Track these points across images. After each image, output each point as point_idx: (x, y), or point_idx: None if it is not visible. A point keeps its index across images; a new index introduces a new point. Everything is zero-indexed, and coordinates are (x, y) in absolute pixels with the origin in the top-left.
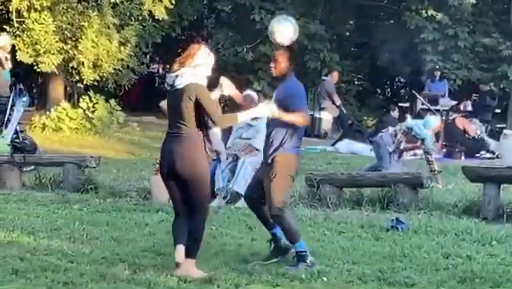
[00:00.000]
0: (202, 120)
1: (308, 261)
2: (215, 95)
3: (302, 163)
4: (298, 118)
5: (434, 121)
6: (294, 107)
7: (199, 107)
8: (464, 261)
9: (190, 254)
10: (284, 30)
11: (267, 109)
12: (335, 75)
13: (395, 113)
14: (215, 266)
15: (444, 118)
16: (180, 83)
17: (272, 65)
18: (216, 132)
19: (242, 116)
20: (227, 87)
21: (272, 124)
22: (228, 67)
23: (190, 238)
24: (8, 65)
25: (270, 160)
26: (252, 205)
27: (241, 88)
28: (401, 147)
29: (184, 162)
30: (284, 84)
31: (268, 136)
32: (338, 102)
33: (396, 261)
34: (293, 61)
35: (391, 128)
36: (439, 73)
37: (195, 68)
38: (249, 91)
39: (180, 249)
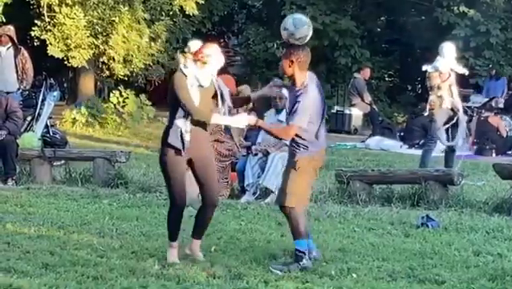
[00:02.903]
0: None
1: (302, 263)
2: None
3: (332, 159)
4: (283, 131)
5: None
6: (294, 118)
7: (175, 97)
8: (494, 259)
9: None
10: (304, 32)
11: (245, 121)
12: (367, 72)
13: (425, 110)
14: (244, 261)
15: (475, 115)
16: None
17: (282, 64)
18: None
19: (216, 119)
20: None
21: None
22: (258, 62)
23: (206, 223)
24: None
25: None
26: None
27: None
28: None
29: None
30: (299, 90)
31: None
32: (368, 99)
33: (426, 258)
34: (302, 60)
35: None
36: (494, 71)
37: (193, 62)
38: (276, 80)
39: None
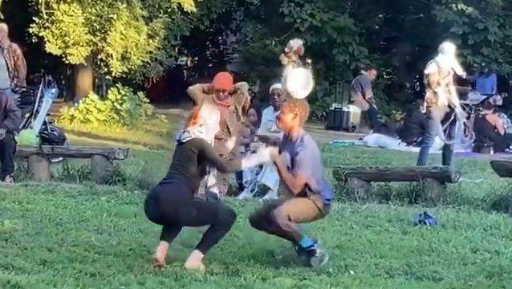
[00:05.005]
0: (199, 173)
1: (317, 254)
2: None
3: (329, 156)
4: (292, 180)
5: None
6: (299, 171)
7: (200, 160)
8: (492, 256)
9: (203, 249)
10: (306, 90)
11: (268, 154)
12: (373, 73)
13: (422, 108)
14: (242, 258)
15: (473, 112)
16: (185, 138)
17: (278, 117)
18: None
19: (246, 163)
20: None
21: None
22: (256, 60)
23: (209, 236)
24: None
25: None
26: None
27: (269, 81)
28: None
29: (172, 204)
30: (296, 142)
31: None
32: (369, 95)
33: (423, 255)
34: (303, 115)
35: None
36: (486, 69)
37: (200, 127)
38: (277, 85)
39: (164, 246)
